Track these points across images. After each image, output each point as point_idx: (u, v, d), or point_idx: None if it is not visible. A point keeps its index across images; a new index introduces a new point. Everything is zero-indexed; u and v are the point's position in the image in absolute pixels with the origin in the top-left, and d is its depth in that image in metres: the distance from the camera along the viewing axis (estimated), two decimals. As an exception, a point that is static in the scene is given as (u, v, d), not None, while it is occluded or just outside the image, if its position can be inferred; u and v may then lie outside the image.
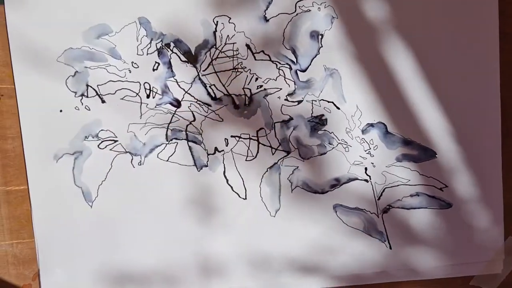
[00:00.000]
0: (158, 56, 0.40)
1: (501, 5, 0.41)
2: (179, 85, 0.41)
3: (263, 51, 0.41)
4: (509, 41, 0.42)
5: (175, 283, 0.42)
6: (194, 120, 0.41)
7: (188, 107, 0.41)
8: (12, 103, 0.40)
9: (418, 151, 0.42)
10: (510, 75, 0.42)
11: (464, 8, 0.41)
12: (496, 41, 0.42)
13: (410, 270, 0.43)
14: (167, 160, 0.41)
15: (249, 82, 0.41)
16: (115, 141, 0.41)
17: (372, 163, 0.42)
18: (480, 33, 0.41)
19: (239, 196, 0.42)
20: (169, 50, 0.40)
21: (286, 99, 0.41)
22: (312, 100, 0.41)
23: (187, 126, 0.41)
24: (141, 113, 0.41)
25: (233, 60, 0.41)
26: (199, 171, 0.41)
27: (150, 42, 0.40)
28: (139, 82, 0.41)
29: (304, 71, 0.41)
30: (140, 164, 0.41)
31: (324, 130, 0.42)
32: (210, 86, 0.41)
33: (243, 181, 0.42)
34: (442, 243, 0.43)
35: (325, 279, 0.43)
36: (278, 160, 0.42)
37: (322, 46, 0.41)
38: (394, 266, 0.43)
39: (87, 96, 0.40)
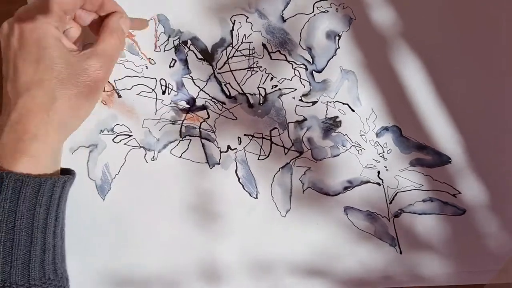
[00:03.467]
0: (175, 53, 0.41)
1: (522, 11, 0.41)
2: (194, 83, 0.41)
3: (279, 51, 0.41)
4: (529, 48, 0.41)
5: (183, 280, 0.42)
6: (208, 117, 0.41)
7: (203, 104, 0.41)
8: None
9: (432, 156, 0.42)
10: (529, 83, 0.42)
11: (481, 14, 0.41)
12: (515, 47, 0.41)
13: (419, 276, 0.43)
14: (180, 156, 0.41)
15: (264, 82, 0.41)
16: (130, 135, 0.41)
17: (385, 167, 0.42)
18: (499, 40, 0.41)
19: (250, 195, 0.42)
20: (186, 47, 0.41)
21: (301, 100, 0.41)
22: (327, 102, 0.41)
23: (201, 123, 0.41)
24: (156, 109, 0.41)
25: (249, 59, 0.41)
26: (211, 168, 0.42)
27: (168, 39, 0.41)
28: (155, 78, 0.41)
29: (320, 72, 0.41)
30: (153, 160, 0.41)
31: (338, 132, 0.42)
32: (225, 85, 0.41)
33: (254, 180, 0.42)
34: (453, 250, 0.43)
35: (333, 282, 0.42)
36: (291, 160, 0.42)
37: (339, 48, 0.41)
38: (403, 271, 0.43)
39: (104, 91, 0.41)
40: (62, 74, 0.33)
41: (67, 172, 0.36)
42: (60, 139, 0.35)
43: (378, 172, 0.42)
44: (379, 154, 0.42)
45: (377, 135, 0.42)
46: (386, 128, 0.42)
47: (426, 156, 0.42)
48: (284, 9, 0.40)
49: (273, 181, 0.42)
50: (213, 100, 0.41)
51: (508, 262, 0.43)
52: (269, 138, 0.42)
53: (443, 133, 0.41)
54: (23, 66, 0.32)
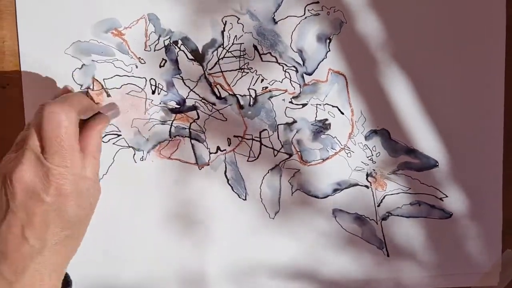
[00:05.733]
0: (166, 53, 0.40)
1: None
2: (184, 83, 0.41)
3: (270, 53, 0.41)
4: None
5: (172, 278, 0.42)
6: (198, 118, 0.41)
7: (193, 105, 0.41)
8: (17, 92, 0.40)
9: (420, 160, 0.42)
10: (515, 89, 0.42)
11: (469, 21, 0.41)
12: (502, 51, 0.42)
13: (405, 279, 0.43)
14: (169, 157, 0.41)
15: (255, 83, 0.41)
16: (119, 135, 0.41)
17: (374, 170, 0.42)
18: (486, 45, 0.42)
19: (239, 197, 0.42)
20: (176, 47, 0.41)
21: (291, 102, 0.41)
22: (317, 104, 0.41)
23: (190, 123, 0.41)
24: (145, 108, 0.41)
25: (239, 60, 0.41)
26: (200, 169, 0.41)
27: (158, 38, 0.40)
28: (145, 77, 0.41)
29: (310, 74, 0.41)
30: (142, 160, 0.41)
31: (327, 134, 0.42)
32: (215, 85, 0.41)
33: (243, 182, 0.42)
34: (439, 253, 0.43)
35: (320, 284, 0.43)
36: (280, 162, 0.42)
37: (329, 50, 0.41)
38: (390, 274, 0.43)
39: (93, 89, 0.40)
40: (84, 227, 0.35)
41: None
42: None
43: (367, 175, 0.42)
44: (367, 157, 0.42)
45: (366, 138, 0.42)
46: (375, 131, 0.42)
47: (414, 160, 0.42)
48: (276, 11, 0.40)
49: (262, 183, 0.42)
50: (203, 100, 0.41)
51: (492, 266, 0.43)
52: (258, 139, 0.42)
53: (431, 137, 0.42)
54: (54, 222, 0.32)
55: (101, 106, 0.38)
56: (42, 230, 0.31)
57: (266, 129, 0.41)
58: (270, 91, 0.41)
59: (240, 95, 0.41)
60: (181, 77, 0.41)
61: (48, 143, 0.32)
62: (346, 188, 0.42)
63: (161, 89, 0.41)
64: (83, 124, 0.35)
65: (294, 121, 0.41)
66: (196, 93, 0.41)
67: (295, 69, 0.41)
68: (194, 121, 0.41)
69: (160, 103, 0.41)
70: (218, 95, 0.41)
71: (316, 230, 0.42)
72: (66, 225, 0.32)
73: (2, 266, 0.31)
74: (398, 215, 0.42)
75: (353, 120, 0.42)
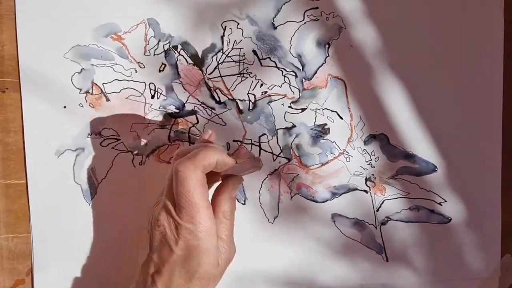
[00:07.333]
0: (165, 57, 0.41)
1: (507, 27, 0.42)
2: (184, 87, 0.41)
3: (269, 58, 0.41)
4: (513, 60, 0.42)
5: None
6: (198, 122, 0.41)
7: (192, 109, 0.41)
8: (16, 96, 0.40)
9: (419, 165, 0.42)
10: (513, 94, 0.43)
11: (467, 27, 0.42)
12: (500, 57, 0.42)
13: (404, 284, 0.43)
14: (169, 161, 0.41)
15: (254, 88, 0.41)
16: (118, 139, 0.41)
17: (373, 174, 0.42)
18: (484, 51, 0.42)
19: (238, 201, 0.42)
20: (176, 52, 0.41)
21: (290, 106, 0.41)
22: (316, 109, 0.42)
23: (190, 128, 0.41)
24: (145, 113, 0.41)
25: (239, 65, 0.41)
26: (199, 174, 0.41)
27: (158, 43, 0.40)
28: (144, 82, 0.41)
29: (309, 79, 0.41)
30: (141, 164, 0.41)
31: (326, 139, 0.42)
32: (215, 90, 0.41)
33: (242, 186, 0.42)
34: (438, 258, 0.43)
35: (320, 289, 0.43)
36: (279, 167, 0.42)
37: (328, 56, 0.41)
38: (389, 279, 0.43)
39: (92, 94, 0.40)
40: (210, 285, 0.35)
41: None
42: None
43: (366, 180, 0.42)
44: (366, 161, 0.42)
45: (365, 143, 0.42)
46: (373, 136, 0.42)
47: (413, 165, 0.42)
48: (275, 16, 0.41)
49: (261, 187, 0.42)
50: (202, 105, 0.41)
51: (492, 271, 0.43)
52: (258, 144, 0.42)
53: (430, 142, 0.42)
54: (179, 274, 0.33)
55: (242, 161, 0.35)
56: (167, 279, 0.33)
57: (265, 134, 0.41)
58: (269, 95, 0.41)
59: (240, 99, 0.41)
60: (181, 81, 0.41)
61: (177, 199, 0.33)
62: (345, 192, 0.42)
63: (161, 93, 0.41)
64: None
65: (293, 126, 0.42)
66: (196, 98, 0.41)
67: (294, 74, 0.41)
68: (193, 126, 0.41)
69: (159, 108, 0.41)
70: (218, 99, 0.41)
71: (315, 234, 0.42)
72: (191, 280, 0.33)
73: None
74: (397, 220, 0.42)
75: (352, 125, 0.42)
